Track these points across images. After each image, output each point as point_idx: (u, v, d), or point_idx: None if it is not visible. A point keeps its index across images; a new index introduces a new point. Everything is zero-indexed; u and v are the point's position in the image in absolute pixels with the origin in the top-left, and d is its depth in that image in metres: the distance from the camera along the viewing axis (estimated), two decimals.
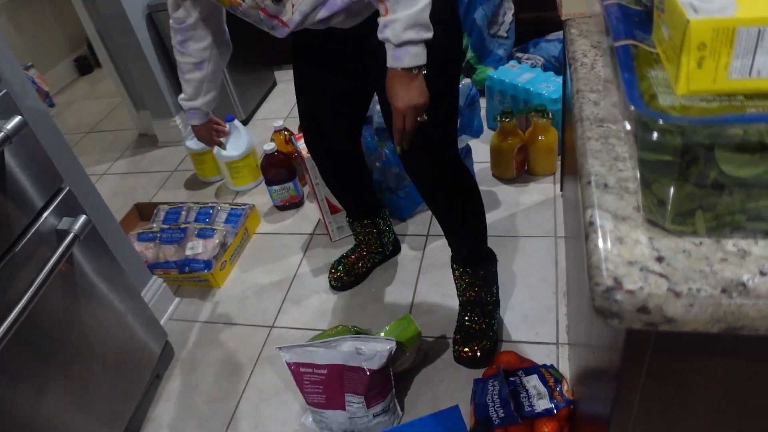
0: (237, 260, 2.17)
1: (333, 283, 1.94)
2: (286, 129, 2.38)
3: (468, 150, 2.16)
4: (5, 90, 1.25)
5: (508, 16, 2.78)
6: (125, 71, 2.91)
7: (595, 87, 0.72)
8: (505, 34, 2.77)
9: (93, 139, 3.33)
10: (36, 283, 1.23)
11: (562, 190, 2.13)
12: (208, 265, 2.02)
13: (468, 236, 1.58)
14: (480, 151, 2.35)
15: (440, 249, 2.01)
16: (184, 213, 2.26)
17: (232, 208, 2.24)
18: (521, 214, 2.10)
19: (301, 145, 1.96)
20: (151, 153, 3.02)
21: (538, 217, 2.07)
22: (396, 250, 2.02)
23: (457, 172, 1.45)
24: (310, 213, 2.32)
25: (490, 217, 2.07)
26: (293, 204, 2.33)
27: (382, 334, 1.49)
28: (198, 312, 2.00)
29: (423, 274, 1.93)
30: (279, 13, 1.20)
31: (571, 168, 1.78)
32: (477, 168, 2.28)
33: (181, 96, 1.54)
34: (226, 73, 2.81)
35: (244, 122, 2.96)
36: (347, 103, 1.52)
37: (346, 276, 1.94)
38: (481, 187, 2.22)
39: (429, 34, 1.09)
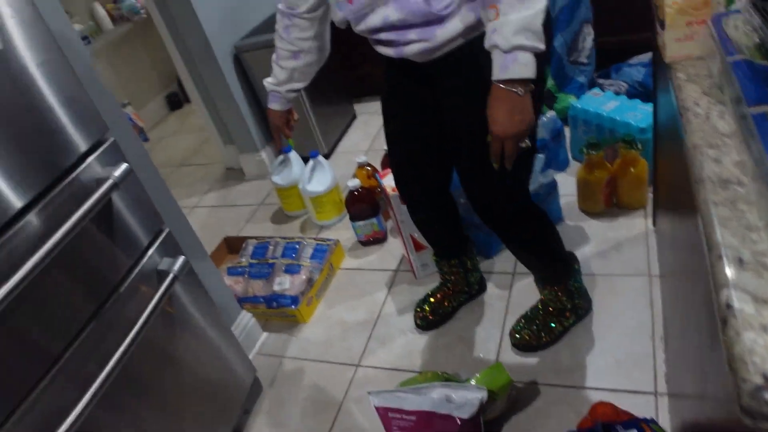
0: (323, 296, 2.19)
1: (418, 322, 1.93)
2: (369, 164, 2.40)
3: (554, 185, 2.11)
4: (113, 138, 1.31)
5: (588, 41, 2.71)
6: (213, 107, 3.03)
7: (713, 141, 0.68)
8: (586, 60, 2.71)
9: (183, 173, 3.48)
10: (139, 322, 1.28)
11: (654, 224, 2.05)
12: (295, 300, 2.05)
13: (546, 260, 1.61)
14: (565, 184, 2.29)
15: (527, 287, 1.96)
16: (271, 248, 2.31)
17: (317, 244, 2.27)
18: (612, 251, 2.02)
19: (386, 182, 1.97)
20: (238, 186, 3.11)
21: (630, 253, 1.98)
22: (482, 288, 1.99)
23: (526, 209, 1.46)
24: (394, 249, 2.32)
25: (579, 254, 2.01)
26: (377, 239, 2.34)
27: (473, 381, 1.46)
28: (285, 347, 2.03)
29: (510, 314, 1.89)
30: None
31: (665, 202, 1.70)
32: (563, 201, 2.22)
33: (269, 79, 1.55)
34: (309, 108, 2.88)
35: (326, 156, 3.02)
36: (437, 146, 1.50)
37: (432, 315, 1.92)
38: (568, 222, 2.17)
39: (541, 45, 1.02)
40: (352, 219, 2.29)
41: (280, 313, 2.08)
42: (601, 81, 2.69)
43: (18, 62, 1.09)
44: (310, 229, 2.59)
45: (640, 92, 2.57)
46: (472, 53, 1.19)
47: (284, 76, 1.51)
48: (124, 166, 1.26)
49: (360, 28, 1.27)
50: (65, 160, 1.18)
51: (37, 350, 1.11)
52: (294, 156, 2.59)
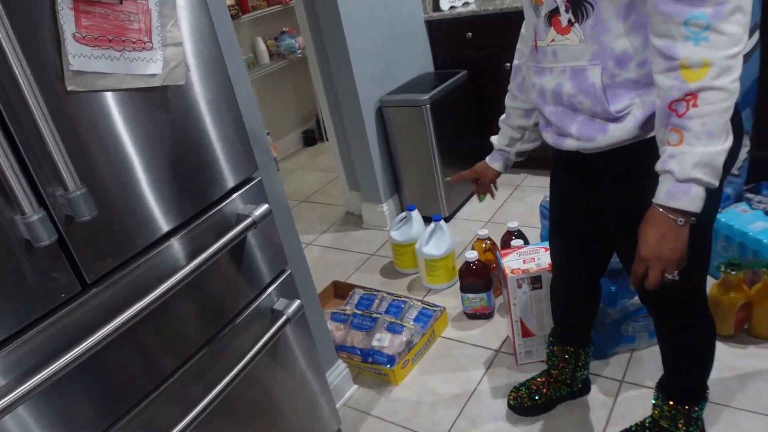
0: (419, 361, 2.16)
1: (512, 401, 1.86)
2: (489, 238, 2.38)
3: None
4: (260, 178, 1.38)
5: (743, 153, 2.57)
6: (347, 151, 3.13)
7: None
8: (737, 172, 2.57)
9: (305, 208, 3.60)
10: (248, 356, 1.32)
11: None
12: (391, 360, 2.04)
13: (689, 375, 1.49)
14: None
15: (635, 400, 1.84)
16: (377, 301, 2.33)
17: (423, 307, 2.25)
18: (735, 381, 1.86)
19: (505, 261, 1.94)
20: (354, 233, 3.18)
21: (756, 389, 1.82)
22: (586, 389, 1.89)
23: (701, 315, 1.38)
24: (499, 327, 2.26)
25: None
26: (483, 315, 2.30)
27: None
28: (372, 405, 2.01)
29: (611, 425, 1.77)
30: (540, 36, 1.19)
31: None
32: None
33: (496, 137, 1.58)
34: (438, 169, 2.91)
35: (446, 219, 3.02)
36: (595, 235, 1.46)
37: (528, 400, 1.84)
38: None
39: (716, 182, 0.99)
40: (463, 290, 2.26)
41: (373, 369, 2.07)
42: (749, 196, 2.54)
43: (192, 98, 1.18)
44: (418, 289, 2.59)
45: None
46: (636, 152, 1.16)
47: (516, 135, 1.53)
48: (264, 206, 1.32)
49: (535, 82, 1.25)
50: (214, 193, 1.25)
51: (152, 364, 1.17)
52: (416, 215, 2.62)
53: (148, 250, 1.12)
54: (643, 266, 1.10)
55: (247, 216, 1.27)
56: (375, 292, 2.38)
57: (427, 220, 2.62)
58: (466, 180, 1.75)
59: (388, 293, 2.37)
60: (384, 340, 2.10)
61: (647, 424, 1.64)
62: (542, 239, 2.43)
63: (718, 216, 2.24)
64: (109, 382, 1.08)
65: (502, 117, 1.53)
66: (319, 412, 1.71)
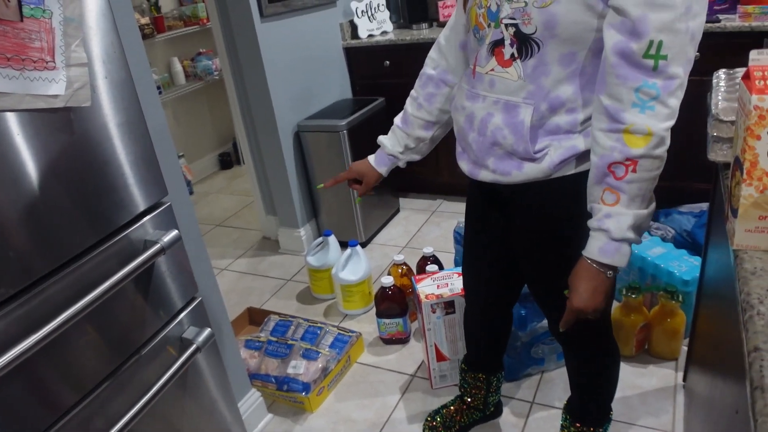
0: (334, 387, 2.15)
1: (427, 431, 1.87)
2: (405, 264, 2.40)
3: None
4: (169, 203, 1.34)
5: None
6: (263, 175, 3.10)
7: None
8: None
9: (220, 233, 3.52)
10: (154, 388, 1.26)
11: (685, 380, 1.98)
12: (306, 388, 2.01)
13: (595, 398, 1.56)
14: None
15: (544, 421, 1.90)
16: (292, 328, 2.30)
17: (339, 333, 2.24)
18: (636, 399, 1.95)
19: (420, 287, 1.96)
20: (270, 258, 3.14)
21: (656, 406, 1.91)
22: (497, 412, 1.93)
23: (607, 342, 1.45)
24: (415, 352, 2.28)
25: None
26: (399, 340, 2.31)
27: None
28: None
29: None
30: (480, 62, 1.18)
31: (700, 360, 1.65)
32: None
33: (386, 139, 1.52)
34: (354, 194, 2.92)
35: (363, 244, 3.03)
36: (508, 266, 1.48)
37: (443, 428, 1.86)
38: None
39: (641, 240, 1.08)
40: (379, 315, 2.27)
41: (289, 397, 2.04)
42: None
43: (99, 120, 1.14)
44: (334, 315, 2.57)
45: (688, 242, 2.55)
46: (552, 189, 1.20)
47: (411, 144, 1.48)
48: (174, 232, 1.28)
49: (466, 105, 1.24)
50: (120, 218, 1.20)
51: (50, 399, 1.10)
52: (332, 241, 2.61)
53: (47, 278, 1.07)
54: (575, 315, 1.16)
55: (155, 242, 1.24)
56: (291, 319, 2.35)
57: (344, 245, 2.63)
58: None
59: (304, 319, 2.34)
60: (299, 367, 2.07)
61: None
62: (456, 264, 2.49)
63: None
64: (2, 417, 1.01)
65: (399, 121, 1.48)
66: None
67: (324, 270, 2.58)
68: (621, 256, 1.06)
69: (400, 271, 2.39)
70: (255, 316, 2.53)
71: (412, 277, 2.02)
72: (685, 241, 2.57)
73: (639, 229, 1.05)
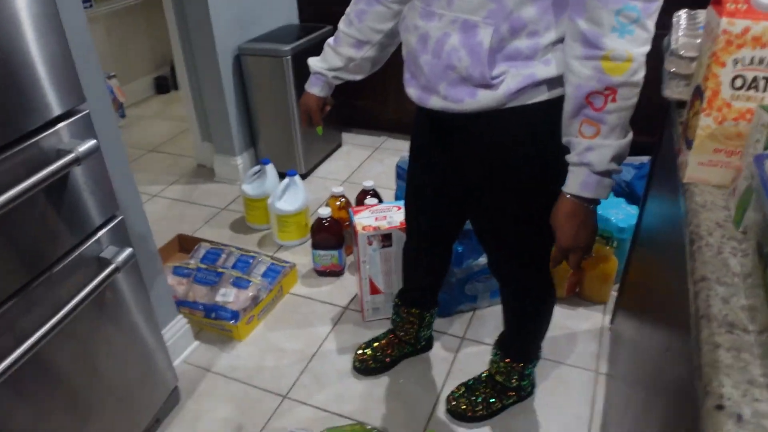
0: (265, 317, 2.10)
1: (357, 364, 1.86)
2: (343, 196, 2.35)
3: None
4: (87, 111, 1.24)
5: None
6: (200, 101, 2.95)
7: (723, 279, 0.64)
8: None
9: (153, 159, 3.37)
10: (66, 308, 1.19)
11: (612, 322, 2.03)
12: (235, 316, 1.96)
13: (527, 336, 1.59)
14: None
15: (474, 356, 1.91)
16: (224, 256, 2.23)
17: (272, 263, 2.19)
18: (564, 339, 1.99)
19: (357, 219, 1.92)
20: (205, 185, 3.02)
21: (582, 346, 1.96)
22: (428, 346, 1.93)
23: (544, 282, 1.44)
24: (349, 285, 2.25)
25: None
26: (334, 272, 2.27)
27: None
28: (213, 361, 1.93)
29: (450, 378, 1.83)
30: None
31: (629, 304, 1.69)
32: None
33: (316, 61, 1.44)
34: (296, 124, 2.82)
35: (303, 176, 2.95)
36: (453, 199, 1.43)
37: (372, 361, 1.85)
38: None
39: (621, 170, 1.03)
40: (314, 247, 2.22)
41: (217, 324, 1.99)
42: None
43: (11, 9, 1.02)
44: (269, 245, 2.51)
45: (626, 192, 2.58)
46: (500, 119, 1.13)
47: (338, 63, 1.40)
48: (91, 142, 1.18)
49: (419, 25, 1.14)
50: (31, 121, 1.10)
51: None
52: (270, 169, 2.53)
53: None
54: (563, 254, 1.12)
55: (69, 151, 1.14)
56: (222, 247, 2.28)
57: (282, 175, 2.54)
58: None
59: (237, 248, 2.27)
60: (229, 295, 2.01)
61: (483, 378, 1.71)
62: (396, 199, 2.44)
63: None
64: None
65: (330, 40, 1.41)
66: (153, 370, 1.61)
67: (260, 199, 2.50)
68: (603, 188, 1.03)
69: (338, 203, 2.34)
70: (185, 244, 2.44)
71: (350, 209, 1.97)
72: (623, 192, 2.60)
73: (620, 158, 1.02)
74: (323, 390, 1.81)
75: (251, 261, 2.19)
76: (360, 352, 1.88)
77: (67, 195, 1.21)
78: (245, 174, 2.84)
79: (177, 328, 1.89)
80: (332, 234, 2.19)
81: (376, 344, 1.89)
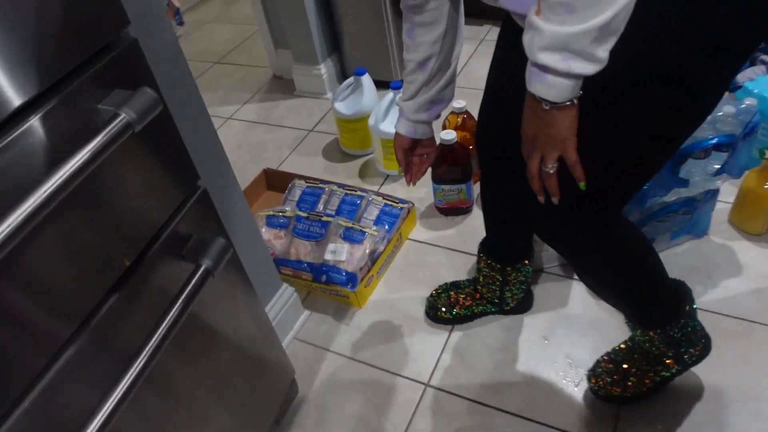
0: (384, 273, 1.70)
1: (428, 310, 1.57)
2: (466, 112, 1.85)
3: (715, 192, 1.56)
4: (136, 38, 0.78)
5: None
6: None
7: None
8: None
9: (220, 72, 2.91)
10: (151, 342, 0.80)
11: None
12: (351, 279, 1.56)
13: (625, 301, 1.17)
14: (726, 190, 1.72)
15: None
16: (324, 197, 1.81)
17: (385, 204, 1.76)
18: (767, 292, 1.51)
19: None
20: (286, 102, 2.56)
21: None
22: (522, 308, 1.54)
23: (601, 233, 1.01)
24: (479, 225, 1.80)
25: (722, 285, 1.51)
26: (460, 209, 1.83)
27: None
28: (330, 336, 1.56)
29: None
30: None
31: None
32: (715, 208, 1.68)
33: (399, 96, 1.17)
34: (390, 21, 2.28)
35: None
36: None
37: (443, 311, 1.54)
38: (714, 239, 1.64)
39: (588, 68, 0.71)
40: (436, 180, 1.76)
41: (329, 290, 1.60)
42: (765, 58, 2.06)
43: None
44: (372, 175, 2.07)
45: None
46: None
47: (412, 92, 1.12)
48: (146, 93, 0.74)
49: None
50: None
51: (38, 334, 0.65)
52: (367, 82, 2.04)
53: None
54: (528, 147, 0.86)
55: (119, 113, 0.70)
56: (321, 186, 1.86)
57: (380, 86, 2.06)
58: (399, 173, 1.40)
59: (339, 185, 1.85)
60: (340, 253, 1.61)
61: (628, 348, 1.33)
62: None
63: (748, 86, 1.78)
64: None
65: (404, 71, 1.13)
66: (263, 366, 1.24)
67: (358, 120, 2.04)
68: (544, 87, 0.75)
69: (459, 121, 1.85)
70: (274, 180, 2.04)
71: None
72: None
73: (568, 52, 0.70)
74: (474, 374, 1.42)
75: (359, 202, 1.76)
76: (434, 293, 1.57)
77: (133, 176, 0.78)
78: (331, 85, 2.38)
79: (284, 300, 1.52)
80: (459, 163, 1.72)
81: (452, 293, 1.54)
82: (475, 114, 1.91)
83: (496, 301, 1.49)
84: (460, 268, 1.68)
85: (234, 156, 2.19)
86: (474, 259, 1.70)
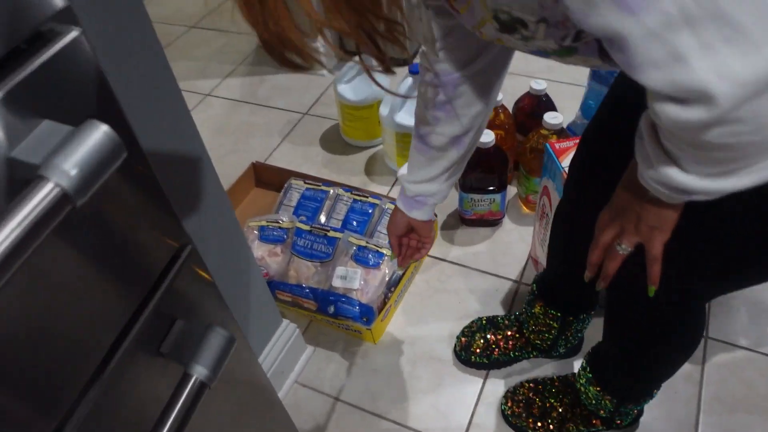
0: (402, 300, 1.42)
1: (458, 350, 1.30)
2: (502, 106, 1.54)
3: None
4: None
5: None
6: None
7: None
8: None
9: (196, 38, 2.55)
10: None
11: None
12: (367, 314, 1.28)
13: (634, 375, 1.01)
14: None
15: (732, 367, 1.23)
16: (328, 202, 1.52)
17: None
18: None
19: (564, 162, 1.15)
20: (274, 77, 2.22)
21: None
22: (571, 352, 1.29)
23: (675, 313, 0.86)
24: (512, 241, 1.53)
25: None
26: (489, 221, 1.55)
27: None
28: (339, 380, 1.29)
29: (705, 411, 1.16)
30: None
31: None
32: None
33: (407, 176, 0.95)
34: None
35: (406, 62, 2.13)
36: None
37: (477, 355, 1.27)
38: None
39: (691, 197, 0.57)
40: (465, 188, 1.47)
41: (339, 324, 1.32)
42: None
43: None
44: (381, 173, 1.77)
45: None
46: None
47: (436, 172, 0.91)
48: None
49: None
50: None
51: None
52: None
53: None
54: (600, 231, 0.76)
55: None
56: (323, 187, 1.55)
57: (396, 61, 1.75)
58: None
59: (345, 188, 1.55)
60: (352, 279, 1.32)
61: (562, 392, 1.18)
62: (584, 113, 1.62)
63: None
64: None
65: (418, 144, 0.92)
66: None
67: (365, 107, 1.73)
68: (658, 193, 0.61)
69: (496, 119, 1.54)
70: (264, 175, 1.72)
71: (548, 144, 1.20)
72: None
73: (674, 190, 0.58)
74: None
75: (371, 211, 1.47)
76: (465, 331, 1.31)
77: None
78: (332, 61, 2.05)
79: (284, 341, 1.23)
80: (495, 170, 1.43)
81: (490, 335, 1.27)
82: (509, 105, 1.62)
83: (545, 348, 1.23)
84: (492, 295, 1.41)
85: (213, 143, 1.87)
86: (509, 284, 1.43)
